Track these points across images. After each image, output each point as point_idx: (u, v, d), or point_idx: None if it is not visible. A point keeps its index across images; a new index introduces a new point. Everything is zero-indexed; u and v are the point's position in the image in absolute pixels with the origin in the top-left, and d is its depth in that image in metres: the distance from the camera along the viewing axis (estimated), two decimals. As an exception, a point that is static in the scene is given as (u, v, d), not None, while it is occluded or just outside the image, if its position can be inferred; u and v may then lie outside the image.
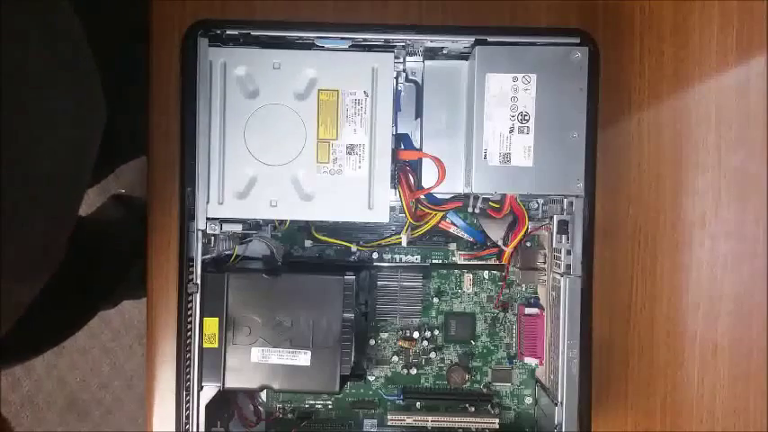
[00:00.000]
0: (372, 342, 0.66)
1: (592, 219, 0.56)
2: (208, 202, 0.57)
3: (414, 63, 0.61)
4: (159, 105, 0.65)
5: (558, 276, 0.59)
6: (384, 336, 0.66)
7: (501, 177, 0.56)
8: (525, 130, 0.56)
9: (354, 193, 0.57)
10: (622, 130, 0.65)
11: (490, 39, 0.56)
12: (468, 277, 0.66)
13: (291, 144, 0.57)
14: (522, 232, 0.59)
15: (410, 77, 0.62)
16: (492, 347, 0.66)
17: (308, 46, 0.57)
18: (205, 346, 0.57)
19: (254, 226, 0.61)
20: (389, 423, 0.64)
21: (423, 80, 0.62)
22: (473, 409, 0.66)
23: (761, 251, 0.64)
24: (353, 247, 0.62)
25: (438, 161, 0.59)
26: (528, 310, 0.63)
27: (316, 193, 0.57)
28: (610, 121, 0.65)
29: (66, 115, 0.51)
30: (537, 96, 0.56)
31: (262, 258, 0.62)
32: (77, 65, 0.53)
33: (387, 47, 0.57)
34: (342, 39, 0.56)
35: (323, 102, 0.57)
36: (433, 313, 0.66)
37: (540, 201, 0.62)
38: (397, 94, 0.60)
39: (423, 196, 0.60)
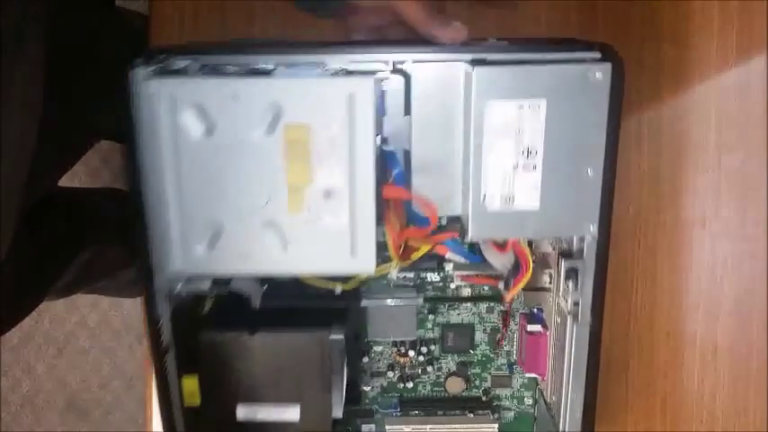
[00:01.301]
0: (366, 359, 0.62)
1: (605, 264, 0.49)
2: (169, 259, 0.50)
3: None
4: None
5: (564, 308, 0.53)
6: (378, 349, 0.63)
7: (502, 222, 0.49)
8: (532, 167, 0.47)
9: (335, 242, 0.49)
10: (622, 131, 0.61)
11: (490, 58, 0.46)
12: (466, 290, 0.60)
13: (259, 188, 0.48)
14: (524, 281, 0.52)
15: (397, 67, 0.52)
16: (491, 355, 0.63)
17: (271, 72, 0.47)
18: (187, 404, 0.53)
19: (225, 279, 0.55)
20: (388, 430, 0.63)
21: (411, 74, 0.51)
22: (471, 415, 0.64)
23: (761, 251, 0.62)
24: (338, 289, 0.56)
25: (428, 206, 0.51)
26: (530, 327, 0.59)
27: (291, 243, 0.50)
28: None
29: None
30: (546, 127, 0.46)
31: (238, 300, 0.56)
32: None
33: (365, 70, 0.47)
34: (309, 63, 0.46)
35: (291, 140, 0.47)
36: (429, 326, 0.62)
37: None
38: (380, 95, 0.51)
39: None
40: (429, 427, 0.63)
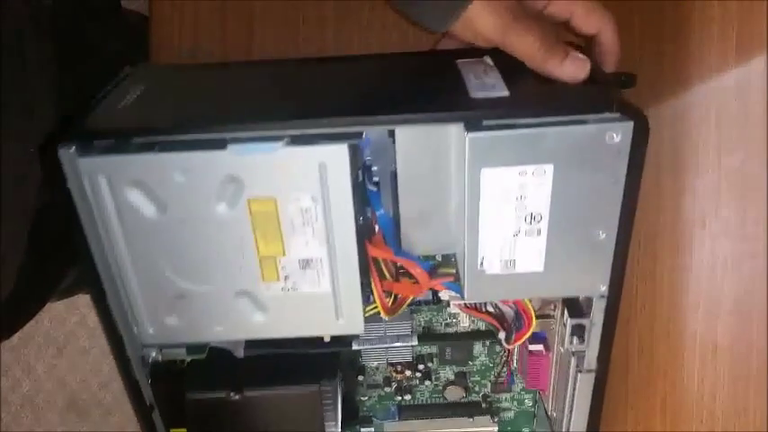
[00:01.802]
0: (361, 377, 0.60)
1: (614, 320, 0.45)
2: (138, 329, 0.46)
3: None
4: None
5: (568, 346, 0.50)
6: (373, 365, 0.60)
7: (502, 285, 0.43)
8: (536, 233, 0.41)
9: (318, 307, 0.45)
10: None
11: (486, 122, 0.38)
12: (463, 318, 0.57)
13: (225, 262, 0.43)
14: (527, 336, 0.48)
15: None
16: (491, 365, 0.61)
17: (223, 143, 0.39)
18: (178, 454, 0.52)
19: (201, 346, 0.50)
20: (386, 433, 0.63)
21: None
22: (471, 419, 0.63)
23: (761, 251, 0.60)
24: (326, 337, 0.52)
25: (415, 267, 0.45)
26: (532, 347, 0.56)
27: (268, 310, 0.45)
28: None
29: None
30: (553, 191, 0.40)
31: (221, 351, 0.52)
32: None
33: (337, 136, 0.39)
34: (267, 139, 0.38)
35: (256, 213, 0.41)
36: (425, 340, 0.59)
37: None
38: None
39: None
40: (429, 430, 0.62)
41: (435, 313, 0.57)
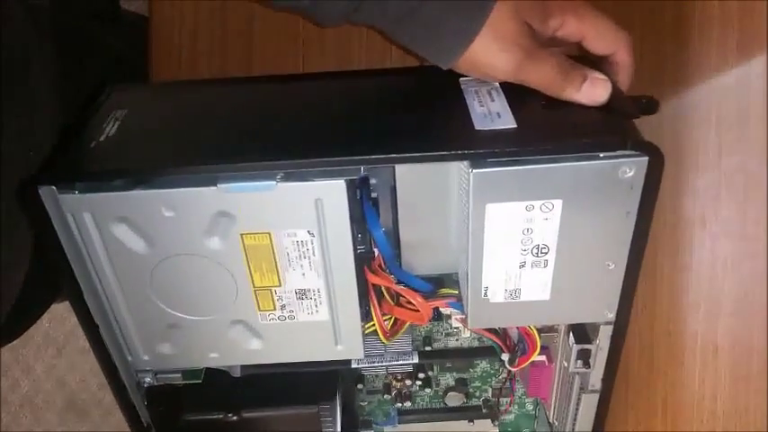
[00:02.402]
0: (360, 386, 0.59)
1: (620, 346, 0.44)
2: (131, 356, 0.45)
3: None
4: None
5: (572, 366, 0.49)
6: (373, 372, 0.59)
7: (506, 312, 0.42)
8: (542, 264, 0.40)
9: (316, 334, 0.44)
10: None
11: (491, 159, 0.35)
12: (465, 333, 0.55)
13: (219, 294, 0.41)
14: (531, 359, 0.47)
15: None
16: (492, 371, 0.60)
17: (213, 180, 0.37)
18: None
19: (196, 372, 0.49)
20: (386, 437, 0.63)
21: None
22: (472, 423, 0.63)
23: (761, 251, 0.59)
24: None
25: (415, 297, 0.43)
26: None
27: (265, 338, 0.44)
28: None
29: None
30: (561, 225, 0.38)
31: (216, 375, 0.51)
32: None
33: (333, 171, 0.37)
34: (259, 177, 0.36)
35: (250, 246, 0.39)
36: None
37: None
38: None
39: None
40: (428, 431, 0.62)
41: (436, 323, 0.56)
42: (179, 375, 0.47)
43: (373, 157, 0.35)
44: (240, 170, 0.35)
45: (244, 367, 0.50)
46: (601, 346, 0.44)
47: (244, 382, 0.50)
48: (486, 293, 0.41)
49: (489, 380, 0.60)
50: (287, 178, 0.37)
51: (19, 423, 1.24)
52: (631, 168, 0.36)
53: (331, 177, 0.37)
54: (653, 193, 0.37)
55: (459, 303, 0.48)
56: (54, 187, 0.36)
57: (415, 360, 0.53)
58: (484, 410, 0.62)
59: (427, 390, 0.60)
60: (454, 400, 0.61)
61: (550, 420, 0.58)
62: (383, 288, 0.45)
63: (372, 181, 0.44)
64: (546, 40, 0.39)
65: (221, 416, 0.49)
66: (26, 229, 0.55)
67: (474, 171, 0.36)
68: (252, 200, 0.37)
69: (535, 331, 0.46)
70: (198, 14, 0.56)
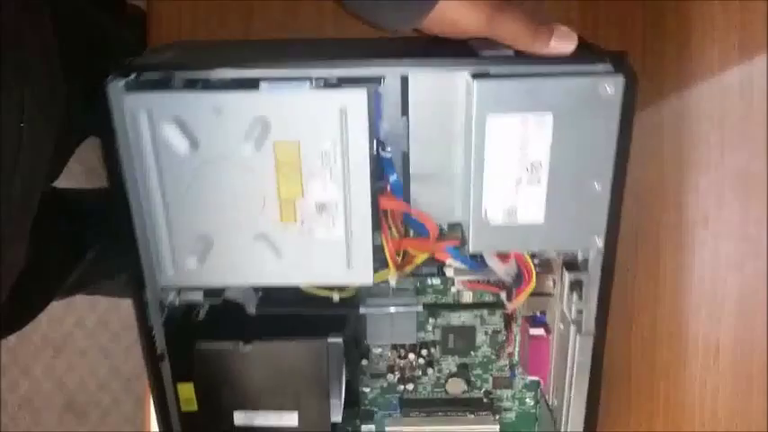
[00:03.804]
0: (365, 361, 0.62)
1: (610, 276, 0.47)
2: (159, 270, 0.49)
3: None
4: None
5: (567, 316, 0.52)
6: (377, 351, 0.62)
7: (504, 235, 0.46)
8: (536, 181, 0.45)
9: (330, 254, 0.48)
10: None
11: (493, 70, 0.42)
12: (467, 295, 0.59)
13: (248, 203, 0.46)
14: (527, 292, 0.51)
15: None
16: (493, 357, 0.62)
17: (256, 84, 0.44)
18: (184, 410, 0.53)
19: (218, 290, 0.53)
20: (387, 431, 0.63)
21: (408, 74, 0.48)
22: (472, 416, 0.64)
23: (763, 251, 0.61)
24: (335, 297, 0.54)
25: (427, 220, 0.48)
26: (533, 331, 0.57)
27: (284, 255, 0.48)
28: None
29: None
30: (553, 140, 0.44)
31: (233, 306, 0.55)
32: None
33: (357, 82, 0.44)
34: (296, 79, 0.43)
35: (281, 155, 0.45)
36: (429, 328, 0.61)
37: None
38: (376, 98, 0.48)
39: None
40: (429, 428, 0.62)
41: (440, 295, 0.59)
42: (201, 294, 0.50)
43: (392, 60, 0.42)
44: (282, 68, 0.42)
45: (259, 305, 0.54)
46: (592, 277, 0.48)
47: (257, 320, 0.54)
48: (486, 215, 0.46)
49: (490, 367, 0.62)
50: (316, 86, 0.43)
51: (17, 424, 1.21)
52: (610, 86, 0.42)
53: (355, 86, 0.43)
54: (630, 111, 0.42)
55: (463, 255, 0.53)
56: (122, 84, 0.43)
57: (419, 308, 0.56)
58: (485, 401, 0.63)
59: (429, 371, 0.62)
60: (456, 387, 0.62)
61: (549, 403, 0.59)
62: (392, 226, 0.50)
63: (388, 149, 0.51)
64: None
65: (233, 345, 0.51)
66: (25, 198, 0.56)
67: (476, 81, 0.42)
68: (286, 107, 0.43)
69: (530, 261, 0.50)
70: (196, 12, 0.58)
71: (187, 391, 0.53)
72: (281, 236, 0.47)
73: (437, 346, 0.61)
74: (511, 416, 0.64)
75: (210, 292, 0.51)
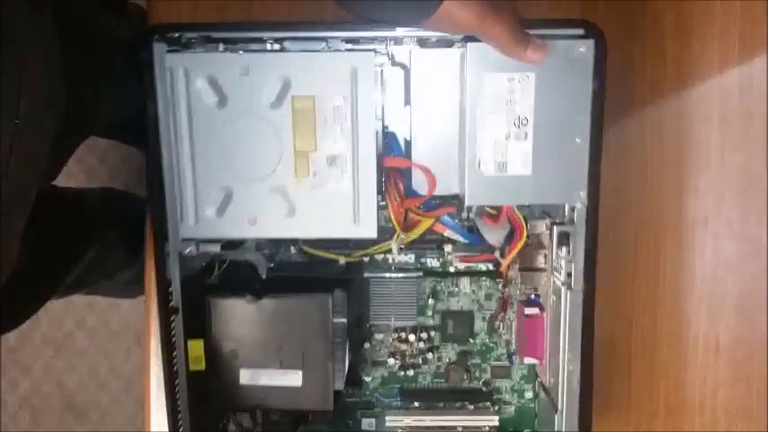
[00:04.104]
0: (367, 345, 0.64)
1: (595, 229, 0.52)
2: (182, 222, 0.53)
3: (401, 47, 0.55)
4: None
5: (558, 282, 0.55)
6: (379, 337, 0.64)
7: (496, 188, 0.51)
8: (523, 136, 0.51)
9: (338, 208, 0.52)
10: (625, 131, 0.63)
11: (483, 36, 0.50)
12: (465, 277, 0.62)
13: (267, 156, 0.52)
14: (520, 245, 0.55)
15: (396, 61, 0.56)
16: (491, 345, 0.64)
17: (280, 48, 0.51)
18: (192, 368, 0.55)
19: (234, 243, 0.58)
20: (388, 424, 0.63)
21: (410, 63, 0.55)
22: (472, 407, 0.65)
23: (763, 251, 0.62)
24: (341, 260, 0.58)
25: (428, 172, 0.54)
26: (528, 311, 0.60)
27: (296, 209, 0.53)
28: (612, 122, 0.61)
29: None
30: (536, 98, 0.50)
31: (245, 269, 0.59)
32: None
33: (367, 41, 0.51)
34: (314, 39, 0.50)
35: (298, 110, 0.51)
36: (429, 313, 0.64)
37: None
38: (382, 81, 0.55)
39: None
40: (429, 418, 0.63)
41: (439, 279, 0.63)
42: (218, 246, 0.54)
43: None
44: (304, 30, 0.50)
45: (270, 270, 0.58)
46: (578, 229, 0.52)
47: (267, 283, 0.57)
48: (479, 165, 0.51)
49: (489, 356, 0.64)
50: (331, 49, 0.50)
51: (17, 424, 1.15)
52: (583, 47, 0.49)
53: (364, 49, 0.50)
54: (602, 70, 0.49)
55: (458, 225, 0.58)
56: (164, 44, 0.50)
57: (420, 274, 0.59)
58: (484, 389, 0.64)
59: (429, 356, 0.64)
60: (455, 375, 0.64)
61: (546, 384, 0.61)
62: (394, 191, 0.55)
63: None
64: None
65: (243, 297, 0.54)
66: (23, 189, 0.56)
67: (469, 44, 0.49)
68: (304, 66, 0.50)
69: (521, 216, 0.54)
70: (196, 12, 0.59)
71: (197, 347, 0.55)
72: (295, 189, 0.52)
73: (437, 332, 0.64)
74: (510, 410, 0.65)
75: (227, 245, 0.55)
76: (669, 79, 0.61)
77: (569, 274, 0.54)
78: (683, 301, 0.64)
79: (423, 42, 0.53)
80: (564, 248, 0.53)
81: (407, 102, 0.56)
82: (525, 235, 0.54)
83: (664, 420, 0.65)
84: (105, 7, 0.70)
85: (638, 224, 0.64)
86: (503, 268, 0.58)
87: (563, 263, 0.53)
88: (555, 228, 0.53)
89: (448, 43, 0.53)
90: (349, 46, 0.51)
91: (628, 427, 0.65)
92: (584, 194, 0.51)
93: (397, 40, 0.53)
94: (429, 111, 0.55)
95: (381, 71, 0.54)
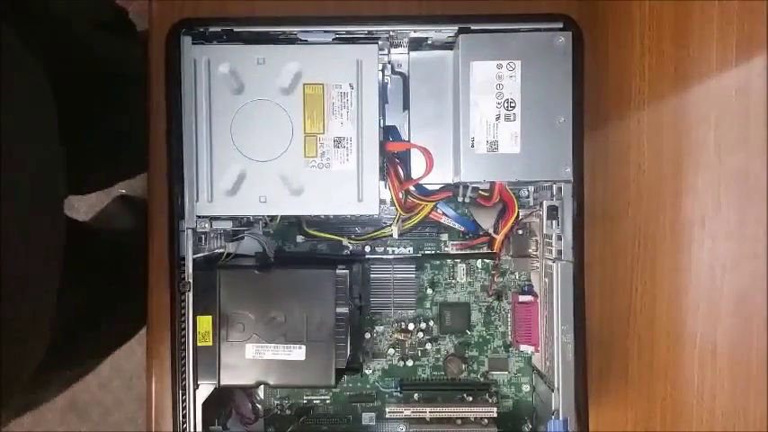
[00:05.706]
0: (368, 336, 0.66)
1: (581, 203, 0.56)
2: (197, 201, 0.57)
3: (399, 55, 0.61)
4: (157, 106, 0.64)
5: (550, 263, 0.58)
6: (380, 329, 0.66)
7: (489, 165, 0.56)
8: (512, 117, 0.56)
9: (343, 187, 0.57)
10: (623, 131, 0.65)
11: (474, 27, 0.56)
12: (461, 267, 0.66)
13: (279, 139, 0.57)
14: (512, 219, 0.59)
15: (396, 69, 0.62)
16: (488, 336, 0.66)
17: (292, 40, 0.57)
18: (199, 344, 0.57)
19: (245, 223, 0.61)
20: (388, 416, 0.64)
21: (409, 71, 0.61)
22: (471, 398, 0.66)
23: (761, 251, 0.63)
24: (345, 241, 0.62)
25: (426, 151, 0.59)
26: (522, 298, 0.63)
27: (305, 188, 0.57)
28: (610, 121, 0.65)
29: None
30: (522, 83, 0.56)
31: (254, 255, 0.62)
32: None
33: (371, 38, 0.57)
34: (324, 32, 0.56)
35: (308, 95, 0.57)
36: (428, 304, 0.66)
37: (531, 188, 0.62)
38: (383, 86, 0.60)
39: (412, 187, 0.60)
40: (429, 410, 0.64)
41: (437, 271, 0.66)
42: (230, 223, 0.58)
43: (397, 19, 0.56)
44: (315, 25, 0.56)
45: (277, 251, 0.61)
46: (566, 204, 0.56)
47: (275, 264, 0.60)
48: (473, 144, 0.56)
49: (486, 348, 0.66)
50: (339, 41, 0.57)
51: (19, 423, 1.07)
52: (561, 38, 0.55)
53: (368, 42, 0.57)
54: (579, 58, 0.55)
55: (454, 212, 0.62)
56: (190, 37, 0.56)
57: (419, 255, 0.62)
58: (482, 381, 0.66)
59: (428, 346, 0.66)
60: (454, 366, 0.65)
61: (542, 372, 0.62)
62: (394, 175, 0.60)
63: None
64: None
65: (252, 269, 0.57)
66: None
67: (462, 35, 0.56)
68: (315, 57, 0.56)
69: (512, 193, 0.58)
70: (198, 12, 0.60)
71: (205, 323, 0.57)
72: (304, 170, 0.57)
73: (435, 323, 0.66)
74: (509, 404, 0.66)
75: (239, 223, 0.58)
76: (667, 80, 0.62)
77: (560, 251, 0.57)
78: (681, 302, 0.64)
79: (418, 44, 0.60)
80: (553, 222, 0.57)
81: (406, 106, 0.62)
82: (517, 208, 0.58)
83: (661, 420, 0.65)
84: (101, 28, 0.72)
85: (636, 225, 0.65)
86: (497, 244, 0.61)
87: (554, 241, 0.57)
88: (545, 202, 0.57)
89: (443, 46, 0.60)
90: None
91: (625, 426, 0.65)
92: (569, 170, 0.56)
93: (395, 44, 0.60)
94: (426, 115, 0.61)
95: (382, 76, 0.60)
